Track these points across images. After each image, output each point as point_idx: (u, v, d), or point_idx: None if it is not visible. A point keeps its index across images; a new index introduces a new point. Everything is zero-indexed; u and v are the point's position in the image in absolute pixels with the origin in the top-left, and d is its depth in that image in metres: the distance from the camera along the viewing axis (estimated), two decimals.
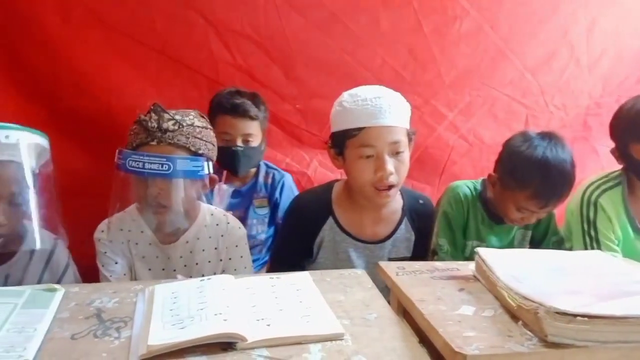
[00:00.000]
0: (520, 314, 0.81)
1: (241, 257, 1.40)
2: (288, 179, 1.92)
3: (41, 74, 1.72)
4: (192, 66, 1.83)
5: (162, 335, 0.78)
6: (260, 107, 1.78)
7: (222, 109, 1.74)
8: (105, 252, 1.32)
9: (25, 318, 0.84)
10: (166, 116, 1.23)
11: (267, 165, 1.91)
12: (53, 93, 1.74)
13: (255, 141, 1.78)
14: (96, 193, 1.76)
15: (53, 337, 0.80)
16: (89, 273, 1.38)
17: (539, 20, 2.10)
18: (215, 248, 1.37)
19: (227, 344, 0.77)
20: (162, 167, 1.17)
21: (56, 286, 0.96)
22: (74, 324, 0.84)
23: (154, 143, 1.21)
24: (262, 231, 1.90)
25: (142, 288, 0.97)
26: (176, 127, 1.22)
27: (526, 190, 1.43)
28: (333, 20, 1.91)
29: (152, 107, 1.23)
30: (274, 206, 1.90)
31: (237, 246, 1.39)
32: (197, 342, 0.76)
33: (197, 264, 1.36)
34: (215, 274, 1.32)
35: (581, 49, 2.16)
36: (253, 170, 1.88)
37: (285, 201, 1.88)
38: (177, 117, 1.24)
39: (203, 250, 1.36)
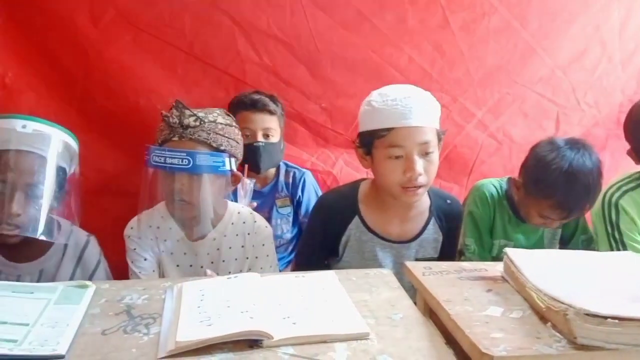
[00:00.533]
0: (549, 316, 0.80)
1: (267, 255, 1.41)
2: (309, 176, 1.92)
3: (73, 75, 1.76)
4: (219, 66, 1.85)
5: (190, 332, 0.79)
6: (277, 104, 1.82)
7: (241, 105, 1.78)
8: (135, 249, 1.35)
9: (58, 313, 0.87)
10: (187, 112, 1.25)
11: (286, 165, 1.92)
12: (85, 94, 1.77)
13: (275, 136, 1.80)
14: (126, 191, 1.80)
15: (85, 332, 0.82)
16: (120, 270, 1.41)
17: (570, 15, 2.06)
18: (242, 246, 1.39)
19: (253, 342, 0.78)
20: (182, 161, 1.20)
21: (87, 283, 0.99)
22: (105, 319, 0.86)
23: (176, 139, 1.25)
24: (287, 230, 1.91)
25: (171, 285, 0.99)
26: (197, 124, 1.25)
27: (549, 200, 1.43)
28: (359, 18, 1.91)
29: (174, 104, 1.25)
30: (296, 205, 1.91)
31: (263, 245, 1.40)
32: (224, 339, 0.77)
33: (223, 261, 1.38)
34: (241, 271, 1.35)
35: (614, 45, 2.11)
36: (273, 170, 1.89)
37: (307, 198, 1.90)
38: (200, 114, 1.27)
39: (230, 247, 1.38)
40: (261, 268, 1.38)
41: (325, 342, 0.79)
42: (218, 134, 1.28)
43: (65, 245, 1.31)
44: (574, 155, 1.42)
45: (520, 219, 1.58)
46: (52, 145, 1.25)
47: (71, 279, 1.30)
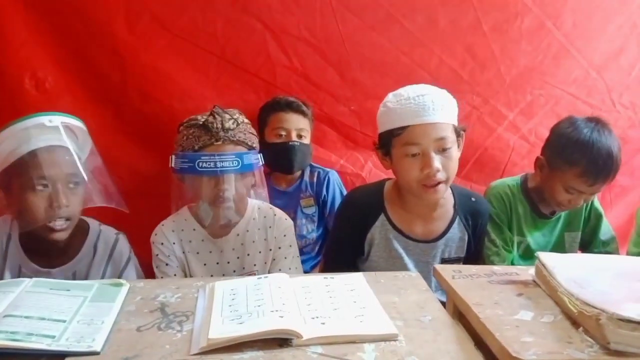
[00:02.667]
0: (581, 321, 0.78)
1: (290, 246, 1.45)
2: (333, 175, 1.93)
3: (110, 80, 1.81)
4: (250, 70, 1.87)
5: (222, 330, 0.81)
6: (308, 107, 1.85)
7: (276, 106, 1.82)
8: (157, 255, 1.39)
9: (94, 310, 0.89)
10: (226, 116, 1.31)
11: (311, 165, 1.93)
12: (121, 97, 1.82)
13: (307, 138, 1.84)
14: (160, 193, 1.83)
15: (120, 329, 0.84)
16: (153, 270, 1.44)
17: (605, 14, 2.01)
18: (265, 239, 1.43)
19: (283, 340, 0.79)
20: (232, 163, 1.27)
21: (122, 281, 1.02)
22: (140, 317, 0.89)
23: (219, 143, 1.29)
24: (312, 230, 1.92)
25: (203, 284, 1.01)
26: (235, 125, 1.32)
27: (575, 168, 1.46)
28: (389, 20, 1.91)
29: (213, 110, 1.30)
30: (321, 204, 1.91)
31: (285, 235, 1.45)
32: (254, 337, 0.78)
33: (248, 255, 1.41)
34: (265, 263, 1.40)
35: None
36: (299, 172, 1.91)
37: (332, 197, 1.90)
38: (235, 115, 1.34)
39: (253, 241, 1.41)
40: (285, 257, 1.42)
41: (354, 342, 0.80)
42: (250, 132, 1.36)
43: (95, 246, 1.35)
44: (593, 125, 1.49)
45: (537, 214, 1.61)
46: (72, 135, 1.30)
47: (102, 277, 1.34)
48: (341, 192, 1.92)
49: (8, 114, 1.70)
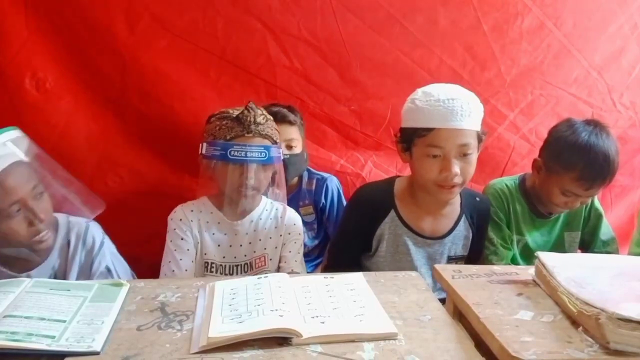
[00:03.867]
0: (581, 320, 0.79)
1: (299, 234, 1.53)
2: (332, 182, 1.91)
3: (110, 80, 1.81)
4: (250, 70, 1.87)
5: (222, 329, 0.81)
6: (296, 114, 1.81)
7: None
8: (175, 229, 1.43)
9: (94, 310, 0.89)
10: (258, 112, 1.41)
11: (309, 172, 1.91)
12: (121, 98, 1.82)
13: (298, 147, 1.80)
14: (161, 192, 1.84)
15: (121, 328, 0.85)
16: (155, 270, 1.44)
17: (606, 14, 2.01)
18: (276, 227, 1.50)
19: (282, 339, 0.79)
20: (260, 154, 1.37)
21: (122, 281, 1.02)
22: (140, 316, 0.89)
23: (249, 135, 1.37)
24: (312, 237, 1.91)
25: (203, 284, 1.01)
26: (264, 121, 1.41)
27: (571, 172, 1.46)
28: (389, 20, 1.91)
29: (248, 105, 1.39)
30: (320, 211, 1.90)
31: (294, 224, 1.53)
32: (254, 335, 0.78)
33: (260, 240, 1.48)
34: (276, 248, 1.48)
35: None
36: (296, 179, 1.89)
37: (330, 204, 1.89)
38: (265, 112, 1.44)
39: (265, 228, 1.49)
40: (294, 242, 1.50)
41: (353, 341, 0.80)
42: (275, 129, 1.45)
43: (68, 237, 1.36)
44: (591, 129, 1.49)
45: (535, 213, 1.61)
46: (21, 146, 1.29)
47: (82, 266, 1.35)
48: (339, 198, 1.91)
49: (8, 114, 1.71)
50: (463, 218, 1.46)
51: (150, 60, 1.80)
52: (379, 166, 2.01)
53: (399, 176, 1.52)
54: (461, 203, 1.47)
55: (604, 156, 1.45)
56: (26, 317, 0.84)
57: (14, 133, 1.30)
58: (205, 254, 1.45)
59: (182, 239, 1.42)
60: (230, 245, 1.47)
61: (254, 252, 1.47)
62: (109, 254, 1.39)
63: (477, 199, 1.52)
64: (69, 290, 0.96)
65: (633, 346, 0.70)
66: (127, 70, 1.79)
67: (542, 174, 1.55)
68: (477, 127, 1.34)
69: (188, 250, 1.42)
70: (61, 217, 1.38)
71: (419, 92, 1.35)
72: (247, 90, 1.88)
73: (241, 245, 1.47)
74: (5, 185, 1.21)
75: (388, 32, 1.91)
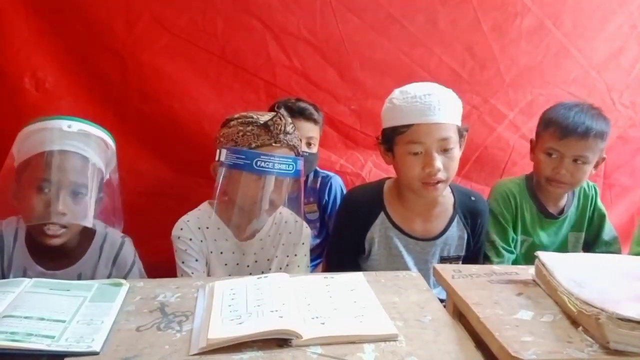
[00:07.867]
0: (581, 320, 0.78)
1: (305, 255, 1.44)
2: (336, 181, 1.91)
3: (110, 80, 1.81)
4: (250, 70, 1.87)
5: (221, 330, 0.81)
6: (319, 114, 1.80)
7: (288, 112, 1.76)
8: (186, 250, 1.35)
9: (94, 310, 0.89)
10: (288, 120, 1.32)
11: (315, 170, 1.91)
12: (121, 97, 1.82)
13: (315, 146, 1.80)
14: (160, 192, 1.84)
15: (120, 329, 0.84)
16: (154, 270, 1.44)
17: (605, 14, 2.01)
18: (283, 244, 1.42)
19: (282, 340, 0.79)
20: (287, 167, 1.26)
21: (122, 281, 1.01)
22: (139, 316, 0.89)
23: (277, 145, 1.28)
24: (315, 235, 1.91)
25: (203, 284, 1.01)
26: (292, 130, 1.33)
27: (550, 128, 1.50)
28: (389, 20, 1.91)
29: (279, 112, 1.29)
30: (323, 210, 1.90)
31: (303, 244, 1.43)
32: (254, 337, 0.78)
33: (268, 260, 1.41)
34: (280, 269, 1.39)
35: None
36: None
37: (333, 202, 1.89)
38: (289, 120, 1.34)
39: (273, 247, 1.41)
40: (298, 266, 1.41)
41: (353, 342, 0.80)
42: (299, 139, 1.37)
43: (101, 249, 1.34)
44: (581, 106, 1.52)
45: (543, 213, 1.60)
46: (95, 146, 1.27)
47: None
48: (342, 197, 1.91)
49: (8, 114, 1.71)
50: (456, 219, 1.45)
51: (150, 59, 1.80)
52: (378, 166, 2.01)
53: (389, 178, 1.51)
54: (454, 203, 1.45)
55: (581, 109, 1.49)
56: (26, 317, 0.84)
57: (109, 140, 1.31)
58: (211, 274, 1.37)
59: (196, 260, 1.34)
60: (237, 264, 1.40)
61: (261, 271, 1.39)
62: (138, 275, 1.37)
63: (472, 198, 1.50)
64: (68, 290, 0.96)
65: (633, 346, 0.70)
66: (127, 70, 1.79)
67: (535, 151, 1.57)
68: (457, 121, 1.34)
69: (204, 272, 1.36)
70: (99, 226, 1.34)
71: (396, 92, 1.36)
72: (246, 89, 1.88)
73: (248, 266, 1.40)
74: (56, 161, 1.20)
75: (388, 31, 1.91)
